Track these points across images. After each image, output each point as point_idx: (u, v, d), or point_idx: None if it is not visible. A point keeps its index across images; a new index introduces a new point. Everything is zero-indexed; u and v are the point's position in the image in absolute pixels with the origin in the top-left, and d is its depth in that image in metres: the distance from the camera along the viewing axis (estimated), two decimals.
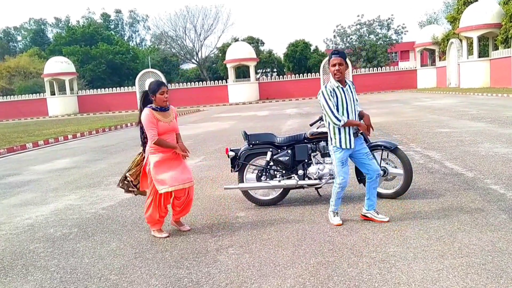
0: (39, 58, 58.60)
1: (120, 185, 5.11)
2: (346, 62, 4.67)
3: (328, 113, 4.63)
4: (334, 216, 4.90)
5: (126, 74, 59.06)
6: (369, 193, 4.88)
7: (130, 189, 5.06)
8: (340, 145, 4.73)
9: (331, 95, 4.63)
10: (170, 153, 4.77)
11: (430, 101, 24.71)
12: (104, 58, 57.20)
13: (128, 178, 5.01)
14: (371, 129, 4.89)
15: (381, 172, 4.96)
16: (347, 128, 4.69)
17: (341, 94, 4.66)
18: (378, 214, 4.86)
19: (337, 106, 4.64)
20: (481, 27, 34.54)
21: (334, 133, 4.75)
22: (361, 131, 4.82)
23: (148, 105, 4.76)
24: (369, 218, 4.87)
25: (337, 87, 4.66)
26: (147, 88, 4.83)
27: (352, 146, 4.73)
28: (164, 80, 46.10)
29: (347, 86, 4.73)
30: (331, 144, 4.83)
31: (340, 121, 4.60)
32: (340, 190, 4.85)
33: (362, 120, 4.85)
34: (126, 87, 48.87)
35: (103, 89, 48.89)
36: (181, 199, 4.84)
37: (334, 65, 4.61)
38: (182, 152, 4.80)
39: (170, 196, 4.87)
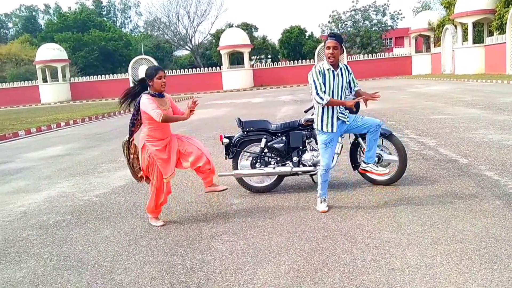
0: (30, 45, 57.98)
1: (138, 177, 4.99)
2: (341, 46, 4.62)
3: (313, 91, 4.61)
4: (321, 202, 4.91)
5: (119, 61, 58.61)
6: (369, 144, 4.92)
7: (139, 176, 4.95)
8: (322, 128, 4.74)
9: (319, 74, 4.61)
10: (167, 138, 4.73)
11: (425, 88, 24.72)
12: (96, 44, 56.68)
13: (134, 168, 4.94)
14: (363, 104, 4.86)
15: (381, 123, 4.96)
16: (330, 112, 4.69)
17: (329, 77, 4.63)
18: (378, 167, 4.87)
19: (324, 88, 4.61)
20: (476, 13, 34.44)
21: (317, 116, 4.76)
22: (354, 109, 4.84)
23: (145, 92, 4.68)
24: (368, 171, 4.90)
25: (327, 69, 4.63)
26: (143, 76, 4.74)
27: (334, 130, 4.72)
28: None
29: (338, 70, 4.69)
30: (314, 126, 4.85)
31: (323, 99, 4.57)
32: (324, 172, 4.85)
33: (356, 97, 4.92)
34: (119, 74, 48.50)
35: (95, 76, 48.49)
36: (202, 167, 4.82)
37: (329, 47, 4.57)
38: (190, 110, 4.67)
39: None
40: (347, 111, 4.84)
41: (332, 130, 4.73)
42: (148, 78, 4.64)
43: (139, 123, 4.81)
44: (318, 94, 4.59)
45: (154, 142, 4.69)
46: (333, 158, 5.54)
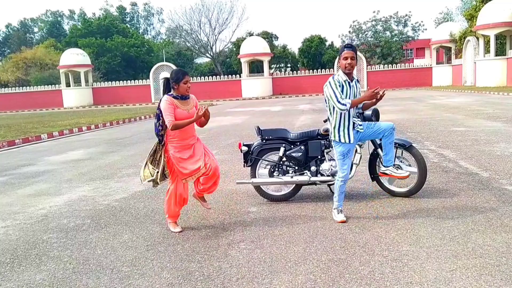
0: (55, 49, 59.17)
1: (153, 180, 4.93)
2: (356, 57, 4.68)
3: (334, 99, 4.60)
4: (338, 213, 4.90)
5: (140, 67, 59.39)
6: (386, 148, 4.92)
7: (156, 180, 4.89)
8: (339, 140, 4.77)
9: (338, 84, 4.64)
10: (189, 140, 4.75)
11: (445, 99, 24.43)
12: (119, 50, 57.56)
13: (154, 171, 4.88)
14: (380, 94, 4.73)
15: (394, 125, 4.92)
16: (346, 122, 4.71)
17: (347, 88, 4.66)
18: (397, 169, 4.85)
19: None
20: (499, 25, 33.99)
21: (334, 127, 4.78)
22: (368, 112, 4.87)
23: (168, 93, 4.76)
24: (388, 174, 4.87)
25: (344, 80, 4.67)
26: (168, 76, 4.82)
27: (351, 141, 4.74)
28: None
29: (354, 81, 4.74)
30: (331, 138, 4.87)
31: (346, 105, 4.58)
32: (342, 183, 4.87)
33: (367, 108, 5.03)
34: (140, 80, 49.10)
35: (117, 82, 49.17)
36: (208, 176, 4.82)
37: (346, 58, 4.61)
38: (200, 114, 4.55)
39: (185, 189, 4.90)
40: (359, 119, 4.85)
41: (349, 141, 4.74)
42: (174, 81, 4.69)
43: (165, 125, 4.73)
44: (339, 101, 4.59)
45: (175, 143, 4.72)
46: (352, 169, 5.54)
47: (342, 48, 4.72)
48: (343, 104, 4.58)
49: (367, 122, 4.94)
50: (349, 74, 4.68)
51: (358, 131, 4.81)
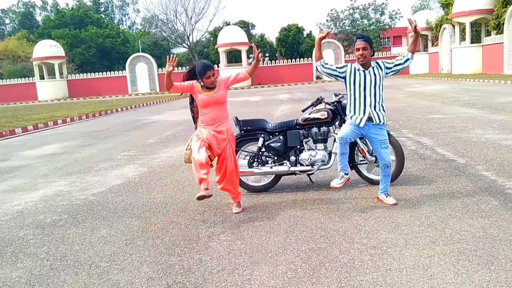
0: (27, 41, 57.80)
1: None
2: (371, 46, 4.73)
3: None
4: (338, 178, 4.90)
5: (116, 58, 58.49)
6: (381, 179, 4.95)
7: None
8: (351, 117, 4.87)
9: (349, 71, 4.78)
10: (213, 126, 4.88)
11: (422, 87, 24.75)
12: (94, 41, 56.54)
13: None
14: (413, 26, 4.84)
15: (390, 163, 4.94)
16: (362, 108, 4.77)
17: (359, 76, 4.74)
18: (386, 197, 4.91)
19: (354, 86, 4.76)
20: (474, 13, 34.50)
21: (348, 111, 4.91)
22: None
23: (197, 80, 4.91)
24: (380, 200, 4.95)
25: (357, 69, 4.75)
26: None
27: (362, 125, 4.78)
28: (154, 64, 45.76)
29: (370, 68, 4.76)
30: (347, 112, 4.99)
31: (317, 66, 4.91)
32: (340, 143, 4.85)
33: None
34: (116, 72, 48.39)
35: (93, 73, 48.41)
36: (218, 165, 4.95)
37: (358, 49, 4.70)
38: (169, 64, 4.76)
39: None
40: (382, 112, 4.83)
41: (359, 124, 4.79)
42: (198, 75, 4.84)
43: (197, 109, 5.02)
44: (322, 62, 4.88)
45: (201, 126, 4.92)
46: (330, 157, 5.57)
47: (355, 39, 4.85)
48: (319, 64, 4.88)
49: (383, 132, 4.89)
50: (364, 64, 4.73)
51: (372, 122, 4.79)
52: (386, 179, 4.92)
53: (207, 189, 4.69)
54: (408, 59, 4.88)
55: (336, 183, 4.89)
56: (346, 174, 4.91)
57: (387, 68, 4.86)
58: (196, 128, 5.10)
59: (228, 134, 4.95)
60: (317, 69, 4.99)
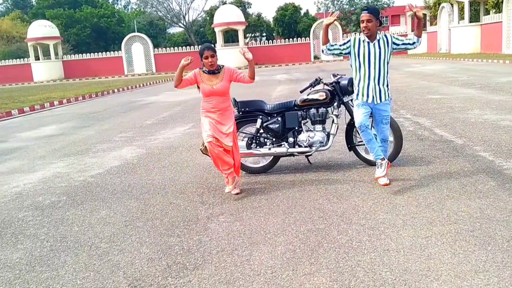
0: (21, 22, 57.01)
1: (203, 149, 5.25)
2: (378, 18, 4.71)
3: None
4: (378, 167, 4.82)
5: (112, 38, 57.84)
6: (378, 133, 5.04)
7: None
8: (357, 97, 4.90)
9: (353, 44, 4.79)
10: (215, 114, 4.92)
11: (421, 67, 24.65)
12: (88, 21, 55.81)
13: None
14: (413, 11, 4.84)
15: (387, 138, 5.03)
16: (366, 81, 4.79)
17: (364, 48, 4.75)
18: (382, 170, 4.86)
19: (359, 59, 4.78)
20: None
21: (355, 86, 4.94)
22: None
23: (200, 68, 4.96)
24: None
25: (363, 40, 4.77)
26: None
27: (369, 100, 4.81)
28: (150, 44, 45.34)
29: (375, 41, 4.74)
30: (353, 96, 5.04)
31: (324, 49, 4.94)
32: (361, 132, 4.84)
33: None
34: (112, 52, 47.94)
35: (88, 54, 47.92)
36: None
37: (363, 21, 4.71)
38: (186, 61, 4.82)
39: (226, 151, 4.98)
40: (383, 90, 4.85)
41: (367, 100, 4.82)
42: (200, 57, 4.88)
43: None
44: (326, 46, 4.91)
45: (204, 113, 4.99)
46: (329, 139, 5.57)
47: (360, 11, 4.87)
48: (325, 48, 4.92)
49: (386, 108, 4.93)
50: (369, 36, 4.73)
51: (375, 97, 4.82)
52: (383, 149, 4.98)
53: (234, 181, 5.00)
54: (415, 42, 4.84)
55: (380, 174, 4.79)
56: (382, 159, 4.83)
57: (394, 43, 4.83)
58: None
59: (231, 128, 4.99)
60: (323, 51, 5.01)
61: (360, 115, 4.85)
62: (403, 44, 4.86)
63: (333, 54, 5.04)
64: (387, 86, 4.88)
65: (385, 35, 4.88)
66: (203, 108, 5.01)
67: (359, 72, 4.83)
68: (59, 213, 4.82)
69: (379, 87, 4.81)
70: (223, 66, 4.99)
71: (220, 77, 4.92)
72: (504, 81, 14.42)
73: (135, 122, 11.48)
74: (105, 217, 4.57)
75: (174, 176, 5.93)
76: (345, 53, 4.88)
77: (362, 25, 4.72)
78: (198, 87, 5.00)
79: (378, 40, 4.75)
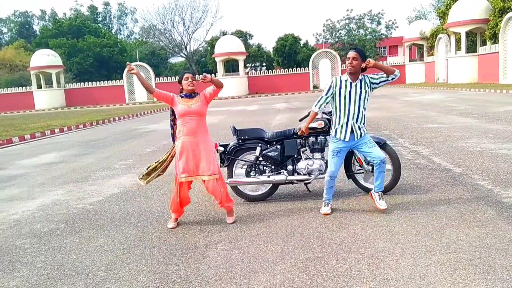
0: (25, 50, 57.85)
1: (144, 177, 5.18)
2: (362, 58, 4.80)
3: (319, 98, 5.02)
4: (324, 206, 5.11)
5: (113, 67, 58.52)
6: (376, 177, 5.03)
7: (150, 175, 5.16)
8: (335, 135, 4.97)
9: (335, 85, 4.89)
10: (191, 137, 4.88)
11: (419, 96, 24.87)
12: (91, 51, 56.61)
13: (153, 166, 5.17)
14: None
15: (385, 158, 5.06)
16: (345, 120, 4.89)
17: (345, 87, 4.85)
18: (379, 199, 4.99)
19: (339, 98, 4.87)
20: (469, 23, 34.80)
21: (333, 123, 5.02)
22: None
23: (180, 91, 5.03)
24: (372, 198, 5.07)
25: (345, 80, 4.88)
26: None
27: (347, 139, 4.91)
28: (152, 73, 45.86)
29: (357, 81, 4.85)
30: (331, 133, 5.11)
31: (313, 108, 5.06)
32: (328, 179, 5.07)
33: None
34: (114, 81, 48.42)
35: (90, 83, 48.39)
36: (208, 189, 4.98)
37: (349, 58, 4.83)
38: (130, 69, 5.01)
39: (188, 187, 5.00)
40: (364, 126, 4.96)
41: (344, 138, 4.90)
42: (179, 82, 5.01)
43: (176, 124, 5.06)
44: (316, 103, 5.00)
45: (180, 138, 4.90)
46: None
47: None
48: (315, 106, 5.04)
49: (366, 138, 4.99)
50: (352, 74, 4.84)
51: (355, 135, 4.91)
52: (381, 175, 5.00)
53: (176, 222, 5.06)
54: (392, 77, 4.89)
55: (326, 209, 5.08)
56: (330, 201, 5.16)
57: (372, 83, 4.93)
58: (174, 142, 5.08)
59: (211, 155, 4.98)
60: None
61: (332, 165, 5.03)
62: (380, 80, 4.93)
63: (326, 104, 5.04)
64: (364, 123, 4.98)
65: (366, 76, 4.97)
66: (179, 132, 4.92)
67: (339, 110, 4.92)
68: (57, 240, 4.79)
69: (358, 125, 4.91)
70: (198, 93, 5.02)
71: (197, 99, 4.96)
72: (501, 111, 14.54)
73: (135, 150, 11.52)
74: (103, 245, 4.55)
75: (166, 202, 5.90)
76: (333, 97, 4.96)
77: (347, 61, 4.85)
78: (173, 112, 5.04)
79: (361, 81, 4.87)
